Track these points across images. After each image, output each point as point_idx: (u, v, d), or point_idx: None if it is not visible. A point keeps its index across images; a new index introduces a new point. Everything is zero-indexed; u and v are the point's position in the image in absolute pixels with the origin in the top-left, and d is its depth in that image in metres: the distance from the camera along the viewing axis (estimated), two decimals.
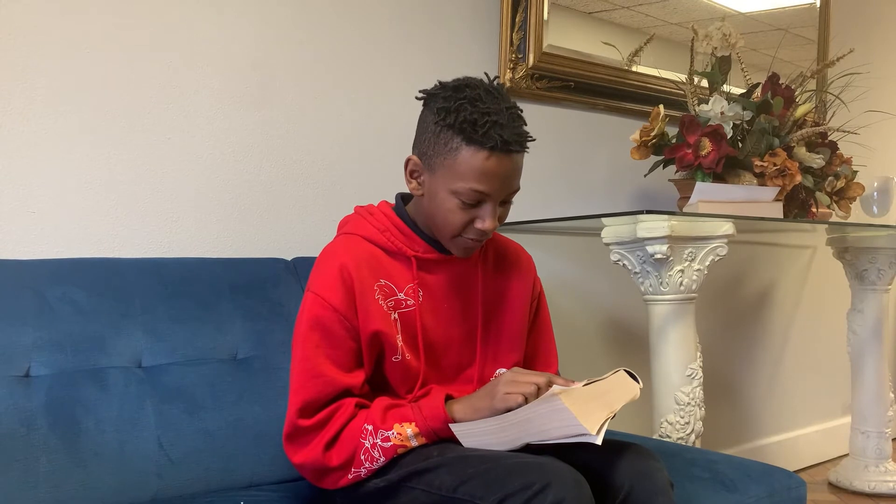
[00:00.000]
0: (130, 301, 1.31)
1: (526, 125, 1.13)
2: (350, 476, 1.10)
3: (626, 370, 1.11)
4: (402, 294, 1.17)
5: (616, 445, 1.09)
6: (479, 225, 1.12)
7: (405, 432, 1.07)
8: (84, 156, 1.46)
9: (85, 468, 1.17)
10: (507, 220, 1.94)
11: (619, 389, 1.07)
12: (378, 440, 1.08)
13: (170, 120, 1.54)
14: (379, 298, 1.15)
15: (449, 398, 1.12)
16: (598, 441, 0.97)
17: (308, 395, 1.10)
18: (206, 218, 1.59)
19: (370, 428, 1.08)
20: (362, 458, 1.09)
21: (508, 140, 1.08)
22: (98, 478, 1.18)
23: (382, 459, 1.08)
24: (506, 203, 1.16)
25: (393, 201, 1.25)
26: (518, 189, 1.15)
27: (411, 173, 1.17)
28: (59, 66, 1.43)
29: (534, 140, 1.15)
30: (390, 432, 1.07)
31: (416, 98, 1.17)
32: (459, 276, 1.23)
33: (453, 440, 1.09)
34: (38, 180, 1.41)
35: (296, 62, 1.70)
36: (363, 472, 1.09)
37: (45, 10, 1.41)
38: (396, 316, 1.16)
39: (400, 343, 1.15)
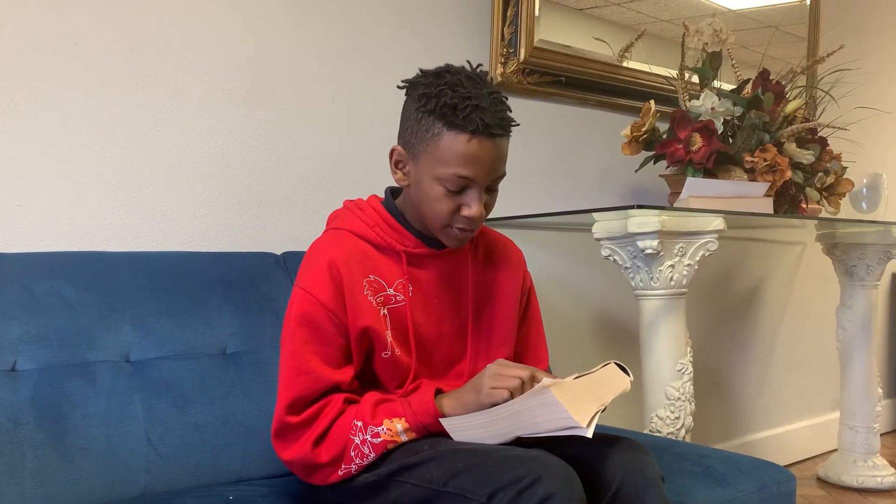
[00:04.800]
0: (119, 295, 1.30)
1: (510, 111, 1.12)
2: (340, 472, 1.10)
3: (616, 363, 1.10)
4: (391, 290, 1.16)
5: (607, 439, 1.08)
6: (465, 212, 1.11)
7: (395, 427, 1.07)
8: (72, 149, 1.44)
9: (72, 463, 1.16)
10: (498, 215, 1.96)
11: (609, 382, 1.07)
12: (368, 436, 1.07)
13: (159, 114, 1.53)
14: (368, 294, 1.14)
15: (439, 392, 1.12)
16: (589, 434, 0.97)
17: (296, 392, 1.10)
18: (196, 212, 1.58)
19: (360, 424, 1.08)
20: (352, 454, 1.08)
21: (490, 123, 1.07)
22: (85, 473, 1.17)
23: (373, 455, 1.08)
24: (492, 191, 1.15)
25: (383, 195, 1.25)
26: (503, 175, 1.14)
27: (396, 163, 1.17)
28: (47, 60, 1.42)
29: (517, 125, 1.14)
30: (380, 428, 1.07)
31: (398, 87, 1.16)
32: (450, 271, 1.22)
33: (443, 434, 1.09)
34: (25, 174, 1.40)
35: (287, 56, 1.69)
36: (353, 468, 1.09)
37: (33, 5, 1.40)
38: (386, 311, 1.15)
39: (389, 339, 1.15)
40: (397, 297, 1.16)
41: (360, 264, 1.15)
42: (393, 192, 1.24)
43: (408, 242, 1.18)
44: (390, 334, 1.15)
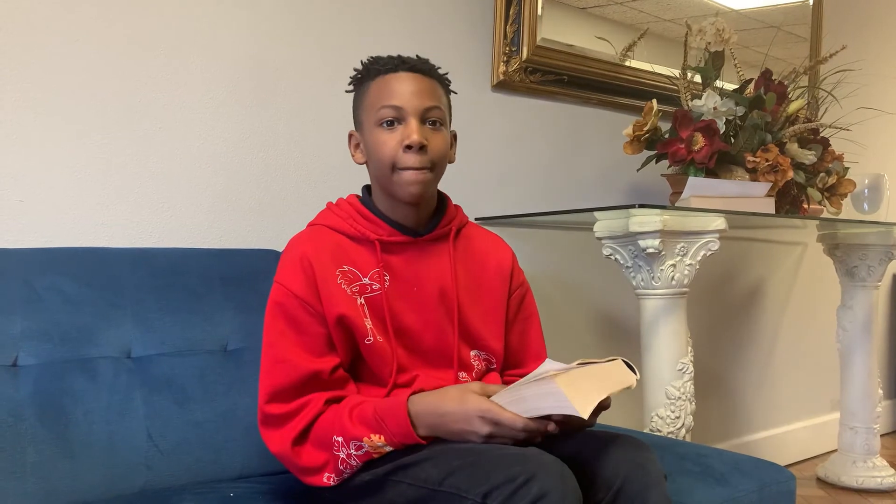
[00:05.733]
0: (120, 291, 1.31)
1: (437, 67, 1.21)
2: (331, 482, 1.10)
3: (624, 360, 1.10)
4: (366, 279, 1.18)
5: (609, 437, 1.08)
6: (406, 141, 1.14)
7: (375, 443, 1.07)
8: (74, 145, 1.45)
9: (73, 459, 1.17)
10: (498, 214, 1.96)
11: (614, 375, 1.06)
12: (352, 450, 1.08)
13: (162, 110, 1.53)
14: (342, 283, 1.16)
15: (419, 392, 1.11)
16: (586, 416, 0.96)
17: (275, 381, 1.11)
18: (198, 209, 1.58)
19: (340, 440, 1.08)
20: (340, 467, 1.09)
21: (405, 60, 1.17)
22: (86, 469, 1.17)
23: (360, 464, 1.09)
24: (433, 127, 1.17)
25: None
26: (437, 108, 1.17)
27: (355, 146, 1.24)
28: (50, 56, 1.42)
29: (446, 75, 1.21)
30: (361, 442, 1.07)
31: (346, 91, 1.24)
32: (428, 260, 1.23)
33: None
34: (27, 169, 1.40)
35: (289, 54, 1.69)
36: (345, 476, 1.10)
37: (36, 1, 1.40)
38: (363, 301, 1.16)
39: (369, 326, 1.16)
40: (373, 286, 1.18)
41: (332, 255, 1.17)
42: (371, 189, 1.26)
43: (381, 231, 1.20)
44: (370, 322, 1.16)
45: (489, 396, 1.05)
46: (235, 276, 1.43)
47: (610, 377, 1.05)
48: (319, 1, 1.73)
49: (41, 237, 1.41)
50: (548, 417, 1.01)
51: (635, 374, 1.09)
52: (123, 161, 1.50)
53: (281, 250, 1.53)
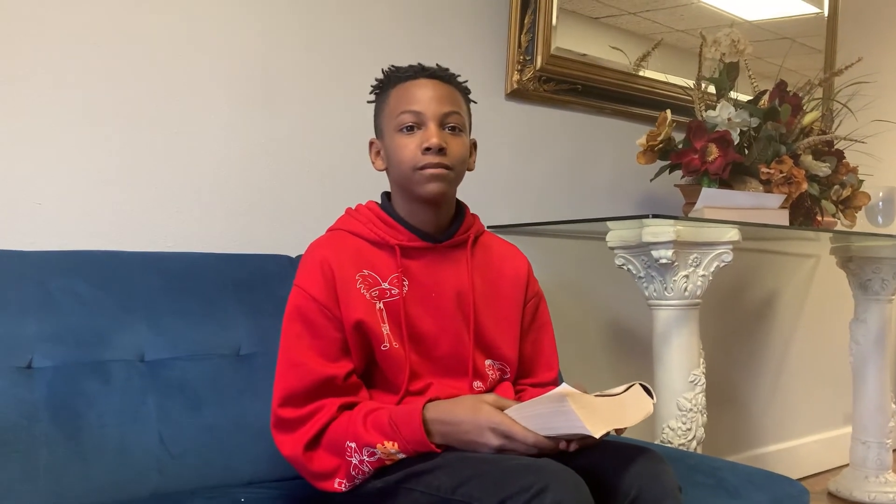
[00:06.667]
0: (133, 295, 1.31)
1: (457, 75, 1.23)
2: (343, 487, 1.10)
3: (641, 384, 1.10)
4: (386, 284, 1.18)
5: (625, 449, 1.08)
6: (426, 144, 1.15)
7: (388, 450, 1.07)
8: (89, 148, 1.45)
9: (85, 461, 1.17)
10: (511, 222, 1.96)
11: (632, 406, 1.06)
12: (364, 456, 1.08)
13: (176, 115, 1.54)
14: (361, 288, 1.16)
15: (435, 400, 1.11)
16: (598, 436, 0.96)
17: (288, 384, 1.12)
18: (211, 213, 1.59)
19: (353, 445, 1.08)
20: (352, 472, 1.09)
21: (425, 67, 1.20)
22: (98, 471, 1.18)
23: (372, 470, 1.09)
24: (452, 132, 1.18)
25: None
26: (456, 114, 1.18)
27: (376, 153, 1.25)
28: (65, 58, 1.43)
29: (464, 81, 1.23)
30: (374, 448, 1.07)
31: (368, 102, 1.26)
32: (447, 266, 1.23)
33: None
34: (44, 172, 1.41)
35: (301, 62, 1.70)
36: (357, 482, 1.10)
37: (52, 3, 1.41)
38: (382, 305, 1.16)
39: (386, 332, 1.16)
40: (392, 291, 1.18)
41: (352, 260, 1.17)
42: (390, 196, 1.26)
43: (402, 237, 1.20)
44: (387, 328, 1.16)
45: (503, 410, 1.05)
46: (248, 280, 1.43)
47: (628, 408, 1.04)
48: (335, 10, 1.74)
49: (57, 240, 1.42)
50: (562, 452, 1.01)
51: (652, 398, 1.08)
52: (139, 165, 1.50)
53: (294, 256, 1.55)
